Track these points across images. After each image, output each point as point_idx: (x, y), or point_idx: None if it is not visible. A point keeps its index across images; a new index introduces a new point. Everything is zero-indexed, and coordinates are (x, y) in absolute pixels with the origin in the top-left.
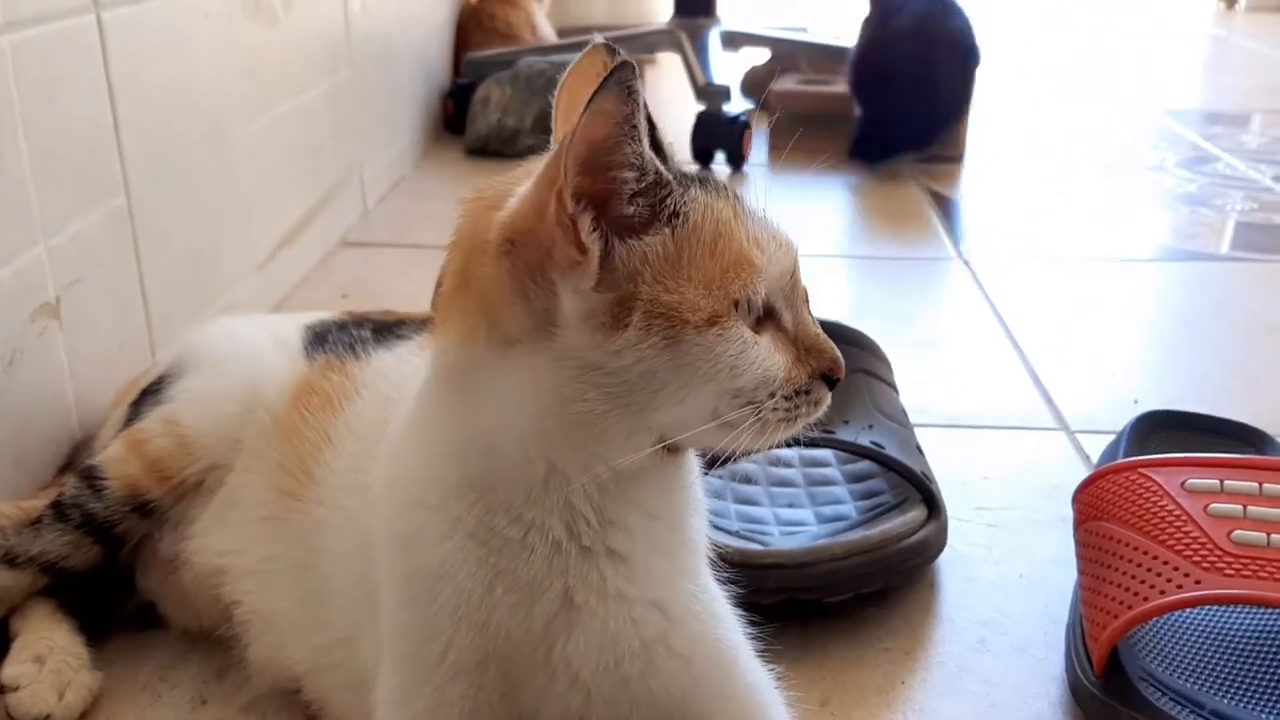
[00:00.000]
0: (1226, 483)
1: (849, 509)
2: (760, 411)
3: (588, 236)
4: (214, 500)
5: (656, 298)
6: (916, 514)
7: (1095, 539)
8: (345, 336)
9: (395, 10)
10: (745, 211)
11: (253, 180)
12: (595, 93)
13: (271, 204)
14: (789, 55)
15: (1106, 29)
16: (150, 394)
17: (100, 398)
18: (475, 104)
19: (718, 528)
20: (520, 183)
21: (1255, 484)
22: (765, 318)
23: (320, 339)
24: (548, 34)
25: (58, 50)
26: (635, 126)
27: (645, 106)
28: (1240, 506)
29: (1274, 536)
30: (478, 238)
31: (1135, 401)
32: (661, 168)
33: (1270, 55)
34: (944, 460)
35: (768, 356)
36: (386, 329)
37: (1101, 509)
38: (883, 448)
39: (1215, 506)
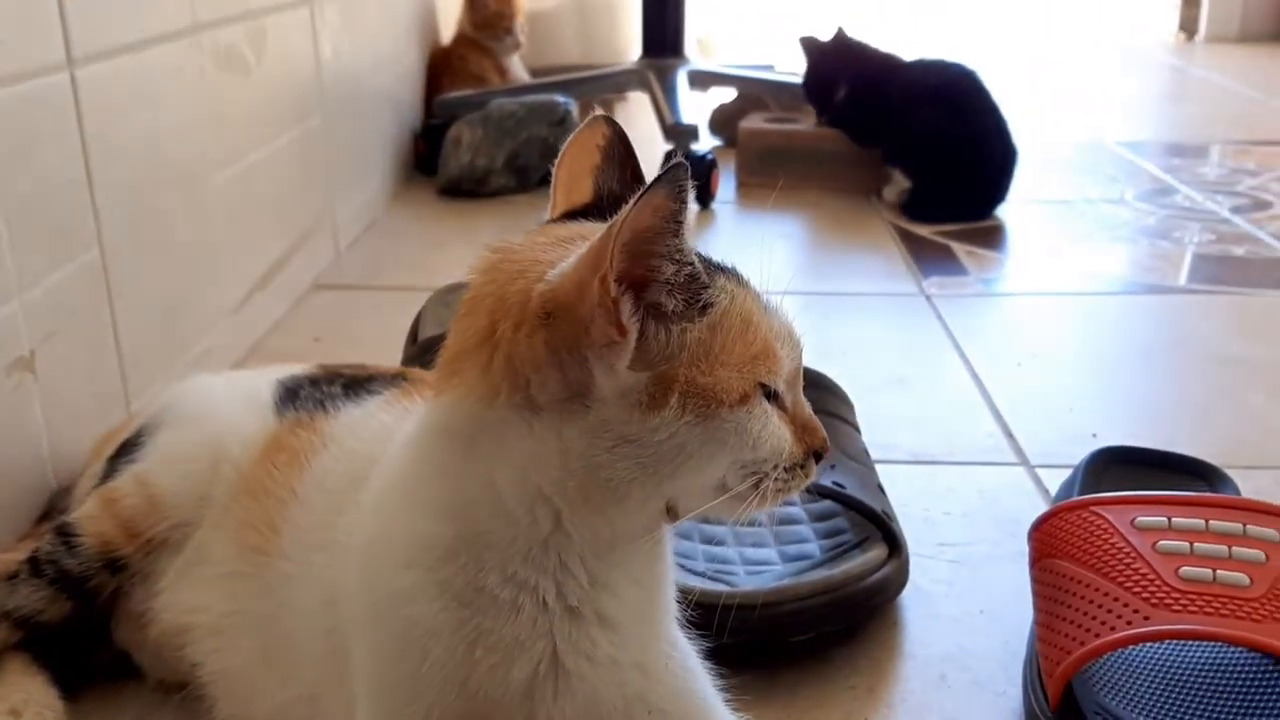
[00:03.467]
0: (1174, 520)
1: (813, 548)
2: (763, 482)
3: (628, 319)
4: (179, 557)
5: (693, 379)
6: (878, 553)
7: (1049, 576)
8: (316, 392)
9: (367, 54)
10: (765, 304)
11: (225, 228)
12: (647, 188)
13: (244, 251)
14: (756, 94)
15: (1064, 60)
16: (125, 451)
17: (75, 449)
18: (447, 145)
19: (685, 569)
20: (549, 249)
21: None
22: (769, 397)
23: (292, 395)
24: (520, 75)
25: (32, 109)
26: (680, 223)
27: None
28: (1187, 544)
29: (1219, 572)
30: (509, 301)
31: (1094, 435)
32: (697, 261)
33: (1229, 86)
34: (906, 496)
35: (779, 430)
36: (357, 384)
37: (1055, 546)
38: (844, 487)
39: (1163, 543)
